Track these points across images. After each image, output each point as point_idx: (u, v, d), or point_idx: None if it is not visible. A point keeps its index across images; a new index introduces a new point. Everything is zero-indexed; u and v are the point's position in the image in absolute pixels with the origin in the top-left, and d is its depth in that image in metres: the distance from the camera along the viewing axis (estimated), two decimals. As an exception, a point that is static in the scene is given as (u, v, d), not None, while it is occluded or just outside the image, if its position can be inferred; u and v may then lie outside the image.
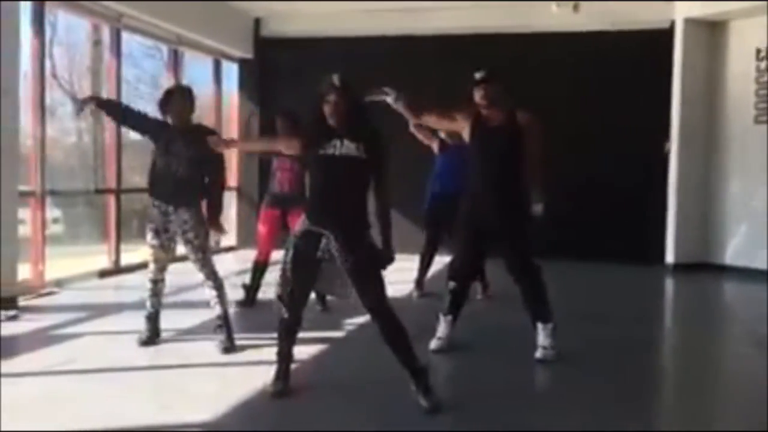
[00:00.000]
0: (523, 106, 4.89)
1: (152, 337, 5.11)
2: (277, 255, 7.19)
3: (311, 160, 3.92)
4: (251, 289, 6.41)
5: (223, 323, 5.00)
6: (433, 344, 4.99)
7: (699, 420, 3.99)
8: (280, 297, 3.96)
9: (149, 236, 5.01)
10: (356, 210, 3.82)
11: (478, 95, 4.82)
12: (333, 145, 3.79)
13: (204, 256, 5.01)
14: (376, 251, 3.83)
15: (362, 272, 3.80)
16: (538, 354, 4.82)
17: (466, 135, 4.93)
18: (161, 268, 5.07)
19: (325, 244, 3.78)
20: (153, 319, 5.12)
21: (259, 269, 6.40)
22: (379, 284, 3.85)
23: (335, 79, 3.80)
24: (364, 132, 3.83)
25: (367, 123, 3.87)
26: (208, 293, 5.05)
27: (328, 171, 3.84)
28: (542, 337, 4.85)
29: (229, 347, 4.94)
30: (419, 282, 7.02)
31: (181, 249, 5.13)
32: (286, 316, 4.00)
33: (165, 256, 5.05)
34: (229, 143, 5.36)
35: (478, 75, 4.83)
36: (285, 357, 4.09)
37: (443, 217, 6.50)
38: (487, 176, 4.81)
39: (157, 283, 5.09)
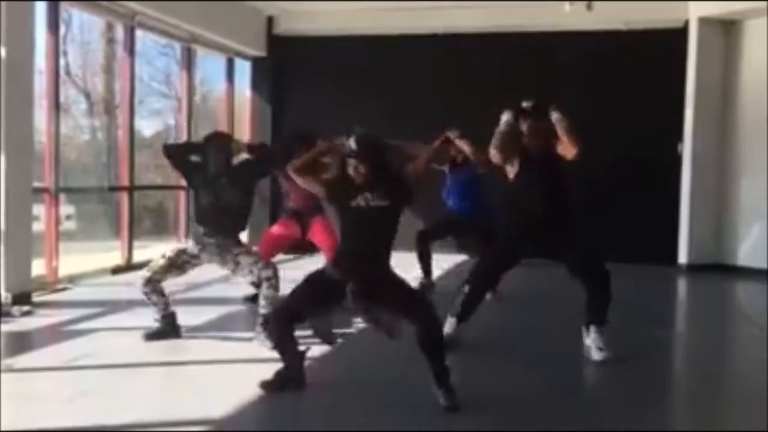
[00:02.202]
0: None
1: (160, 332, 5.11)
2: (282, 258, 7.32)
3: (339, 210, 4.00)
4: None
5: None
6: None
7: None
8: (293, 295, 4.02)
9: (175, 248, 5.12)
10: (383, 258, 3.94)
11: (524, 126, 4.88)
12: (364, 197, 3.87)
13: (251, 256, 5.07)
14: (400, 283, 3.94)
15: (401, 305, 3.90)
16: (595, 355, 4.80)
17: (512, 169, 4.92)
18: (160, 272, 5.06)
19: (349, 293, 3.85)
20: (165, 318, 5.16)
21: None
22: (419, 303, 3.95)
23: (352, 143, 3.85)
24: (391, 186, 3.91)
25: (393, 177, 3.93)
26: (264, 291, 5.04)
27: (359, 221, 3.91)
28: (594, 338, 4.84)
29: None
30: (427, 282, 6.91)
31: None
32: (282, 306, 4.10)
33: (169, 271, 5.06)
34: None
35: (525, 105, 4.87)
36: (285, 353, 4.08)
37: (454, 226, 7.10)
38: (545, 195, 4.84)
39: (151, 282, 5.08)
